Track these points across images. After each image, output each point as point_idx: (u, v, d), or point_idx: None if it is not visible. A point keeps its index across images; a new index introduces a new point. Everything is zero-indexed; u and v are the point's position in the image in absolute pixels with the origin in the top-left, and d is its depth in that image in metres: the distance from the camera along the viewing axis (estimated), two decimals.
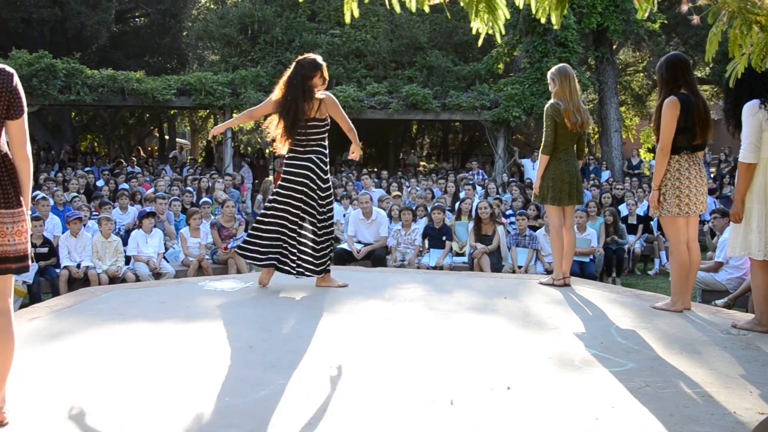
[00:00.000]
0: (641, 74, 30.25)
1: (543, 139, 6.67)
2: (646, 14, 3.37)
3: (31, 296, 8.89)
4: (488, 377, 4.08)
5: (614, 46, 22.94)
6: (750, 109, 5.04)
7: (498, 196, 14.35)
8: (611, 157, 21.33)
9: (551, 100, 6.65)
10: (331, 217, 6.48)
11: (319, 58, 6.25)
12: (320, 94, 6.21)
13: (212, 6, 30.71)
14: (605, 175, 20.00)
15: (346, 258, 10.79)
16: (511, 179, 18.43)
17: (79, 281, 9.25)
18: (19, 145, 3.39)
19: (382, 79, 21.53)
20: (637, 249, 12.17)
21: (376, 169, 23.19)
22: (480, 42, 3.70)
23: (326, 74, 6.25)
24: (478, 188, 15.26)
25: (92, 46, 24.32)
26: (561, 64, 6.90)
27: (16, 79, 3.36)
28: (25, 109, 3.40)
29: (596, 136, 25.17)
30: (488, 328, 5.26)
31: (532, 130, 25.45)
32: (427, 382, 4.01)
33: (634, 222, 12.62)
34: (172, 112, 28.99)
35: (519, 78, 20.22)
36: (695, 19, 3.42)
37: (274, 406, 3.61)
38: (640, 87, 30.37)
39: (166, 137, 33.05)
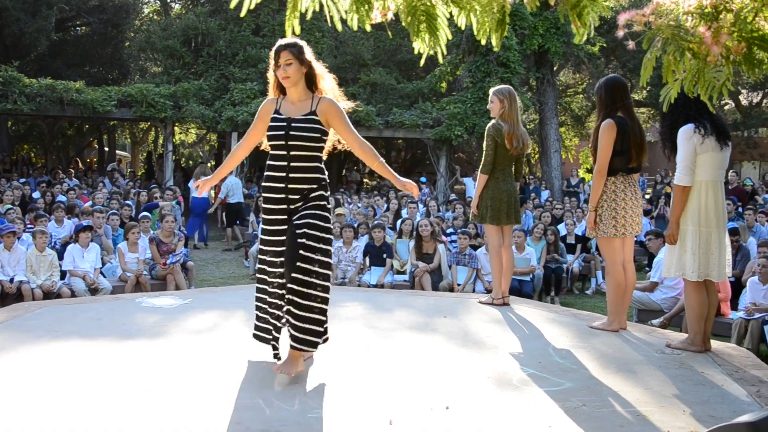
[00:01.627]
0: (581, 96, 30.81)
1: (483, 159, 6.72)
2: (584, 39, 3.42)
3: None
4: (427, 397, 4.07)
5: (555, 68, 23.34)
6: (685, 134, 5.15)
7: (439, 214, 14.44)
8: (551, 177, 21.65)
9: (493, 121, 6.70)
10: None
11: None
12: None
13: (155, 17, 30.40)
14: (545, 194, 20.28)
15: None
16: (452, 198, 18.55)
17: (12, 296, 8.99)
18: None
19: None
20: (575, 268, 12.32)
21: None
22: (423, 61, 3.72)
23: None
24: (420, 206, 15.34)
25: (31, 54, 23.87)
26: (506, 85, 6.97)
27: None
28: None
29: (536, 156, 25.55)
30: (428, 347, 5.27)
31: (474, 149, 25.68)
32: (367, 401, 3.99)
33: (573, 242, 12.78)
34: (112, 123, 28.53)
35: (461, 97, 20.42)
36: (631, 44, 3.48)
37: (206, 425, 3.55)
38: (579, 108, 30.92)
39: (106, 149, 32.49)
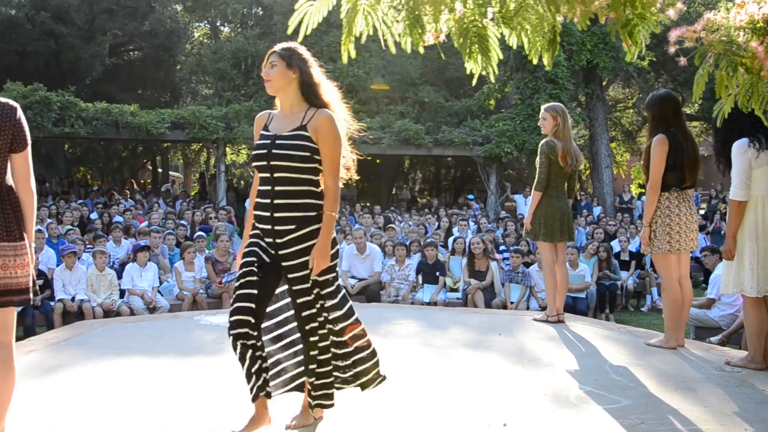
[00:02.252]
0: (631, 110, 30.49)
1: (537, 176, 6.73)
2: (635, 57, 3.44)
3: (26, 329, 8.86)
4: (484, 414, 4.09)
5: (604, 83, 23.17)
6: (739, 148, 5.11)
7: (489, 226, 14.42)
8: (602, 193, 21.45)
9: (547, 138, 6.71)
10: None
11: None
12: None
13: (206, 41, 30.93)
14: (597, 210, 20.09)
15: None
16: (503, 215, 18.51)
17: (74, 314, 9.22)
18: (23, 178, 3.42)
19: (374, 114, 21.67)
20: (629, 285, 12.19)
21: (368, 204, 23.24)
22: (474, 81, 3.76)
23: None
24: (471, 223, 15.33)
25: (86, 79, 24.45)
26: (558, 103, 6.98)
27: (20, 113, 3.41)
28: (29, 142, 3.44)
29: (587, 172, 25.33)
30: (483, 364, 5.28)
31: (524, 166, 25.61)
32: (424, 418, 4.02)
33: (627, 258, 12.65)
34: (165, 145, 29.05)
35: (510, 114, 20.39)
36: (682, 60, 3.49)
37: None
38: (630, 123, 30.61)
39: (159, 170, 33.10)
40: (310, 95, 3.82)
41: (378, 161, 25.29)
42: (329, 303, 3.76)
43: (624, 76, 24.36)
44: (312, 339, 3.72)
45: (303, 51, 3.83)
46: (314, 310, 3.73)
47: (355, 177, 3.97)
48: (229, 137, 19.94)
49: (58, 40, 23.61)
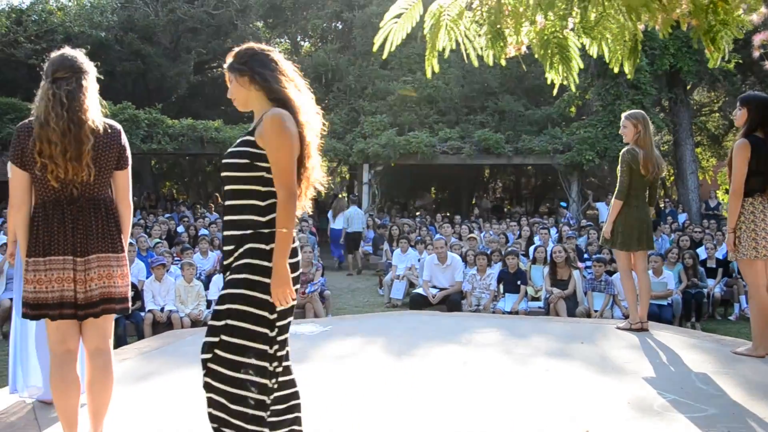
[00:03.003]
0: (717, 114, 29.76)
1: (618, 185, 6.68)
2: (718, 62, 3.43)
3: (118, 339, 9.18)
4: (567, 421, 4.11)
5: (688, 87, 22.69)
6: None
7: (571, 233, 14.29)
8: (688, 200, 20.98)
9: (628, 146, 6.67)
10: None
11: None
12: None
13: (286, 56, 31.45)
14: (682, 217, 19.68)
15: (421, 303, 10.87)
16: (585, 223, 18.31)
17: (163, 325, 9.51)
18: (124, 194, 3.66)
19: (454, 124, 21.70)
20: (716, 293, 11.91)
21: (448, 214, 23.26)
22: (555, 90, 3.80)
23: None
24: (553, 232, 15.23)
25: (172, 97, 25.17)
26: (638, 110, 6.92)
27: (124, 134, 3.66)
28: (130, 160, 3.65)
29: (672, 179, 24.84)
30: (566, 372, 5.28)
31: (606, 173, 25.24)
32: (507, 425, 4.06)
33: (714, 266, 12.38)
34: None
35: (591, 121, 20.16)
36: (767, 64, 3.46)
37: None
38: (716, 127, 29.85)
39: None
40: (270, 94, 3.31)
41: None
42: (227, 339, 3.15)
43: (709, 80, 23.80)
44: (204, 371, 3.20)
45: (247, 51, 3.38)
46: (216, 339, 3.18)
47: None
48: None
49: (145, 59, 24.41)
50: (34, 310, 3.49)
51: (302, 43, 30.93)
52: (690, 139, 21.71)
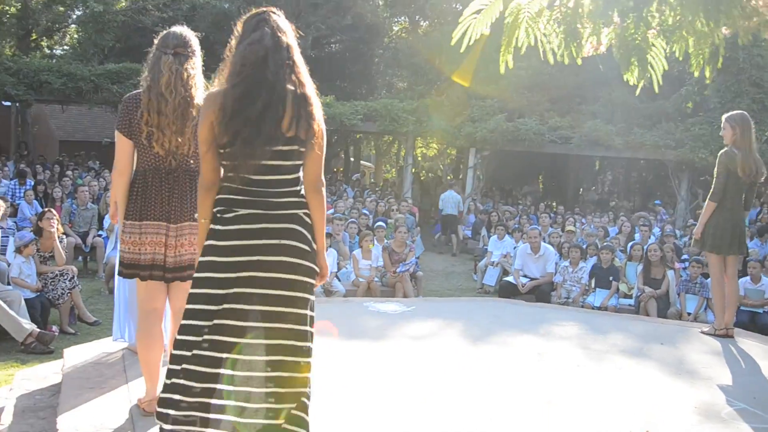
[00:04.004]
0: None
1: (713, 186, 6.57)
2: None
3: None
4: (629, 419, 4.14)
5: None
6: None
7: (669, 230, 13.99)
8: None
9: (726, 148, 6.55)
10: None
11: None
12: None
13: (404, 35, 31.64)
14: None
15: (511, 291, 10.90)
16: (691, 222, 17.83)
17: None
18: None
19: (565, 113, 21.42)
20: None
21: (553, 204, 23.04)
22: (637, 92, 3.80)
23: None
24: (656, 229, 14.92)
25: None
26: (740, 111, 6.78)
27: None
28: None
29: None
30: (638, 372, 5.27)
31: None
32: (567, 418, 4.13)
33: None
34: (358, 135, 30.03)
35: (708, 118, 19.54)
36: None
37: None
38: None
39: (352, 159, 34.25)
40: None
41: None
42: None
43: None
44: None
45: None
46: None
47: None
48: (419, 130, 20.38)
49: None
50: (128, 269, 3.78)
51: (421, 23, 31.03)
52: None
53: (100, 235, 12.04)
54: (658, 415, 4.29)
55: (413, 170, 23.52)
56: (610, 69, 22.13)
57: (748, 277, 9.86)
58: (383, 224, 12.76)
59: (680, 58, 3.64)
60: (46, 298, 8.13)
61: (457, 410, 4.17)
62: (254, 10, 3.12)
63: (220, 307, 2.97)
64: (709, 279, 10.12)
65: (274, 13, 3.13)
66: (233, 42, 3.10)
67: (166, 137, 3.69)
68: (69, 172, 17.73)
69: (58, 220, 8.95)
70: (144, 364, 3.91)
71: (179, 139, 3.70)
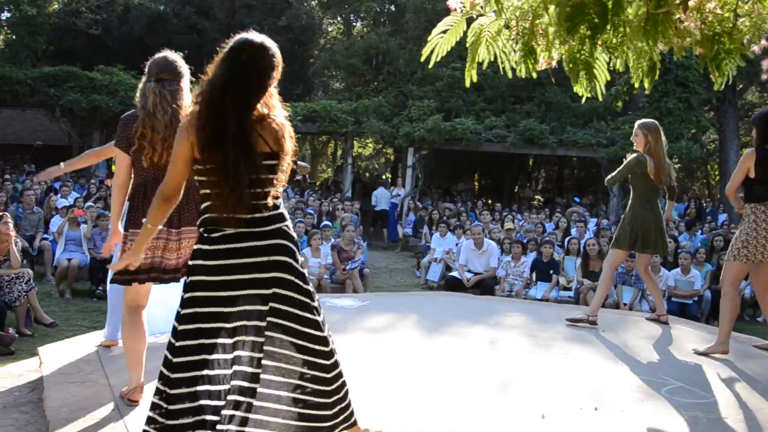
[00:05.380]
0: None
1: (613, 174, 7.00)
2: (722, 86, 3.81)
3: None
4: (578, 399, 4.54)
5: (739, 88, 22.69)
6: None
7: (605, 224, 14.60)
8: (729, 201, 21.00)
9: (637, 153, 6.76)
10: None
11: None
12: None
13: (339, 36, 31.96)
14: (722, 218, 19.78)
15: (456, 286, 11.31)
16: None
17: None
18: None
19: (500, 113, 22.01)
20: (746, 295, 12.12)
21: (490, 201, 23.62)
22: (583, 100, 4.20)
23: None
24: (592, 224, 15.54)
25: None
26: (651, 120, 6.99)
27: None
28: None
29: (717, 178, 24.86)
30: (583, 357, 5.68)
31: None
32: (523, 398, 4.51)
33: None
34: (297, 136, 30.14)
35: (637, 116, 20.28)
36: None
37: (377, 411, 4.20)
38: None
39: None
40: None
41: None
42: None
43: (760, 82, 23.79)
44: None
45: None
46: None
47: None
48: (357, 131, 20.72)
49: (200, 33, 25.09)
50: (124, 275, 4.00)
51: (355, 24, 31.38)
52: (736, 140, 21.79)
53: (46, 239, 12.05)
54: (605, 394, 4.69)
55: (353, 170, 23.84)
56: (543, 71, 22.90)
57: (678, 269, 10.43)
58: (329, 223, 13.06)
59: (621, 70, 4.02)
60: (2, 301, 8.20)
61: (419, 396, 4.49)
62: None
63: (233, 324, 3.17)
64: None
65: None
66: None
67: (157, 152, 4.00)
68: (8, 176, 17.56)
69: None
70: (130, 355, 4.17)
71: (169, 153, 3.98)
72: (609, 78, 4.07)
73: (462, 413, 4.18)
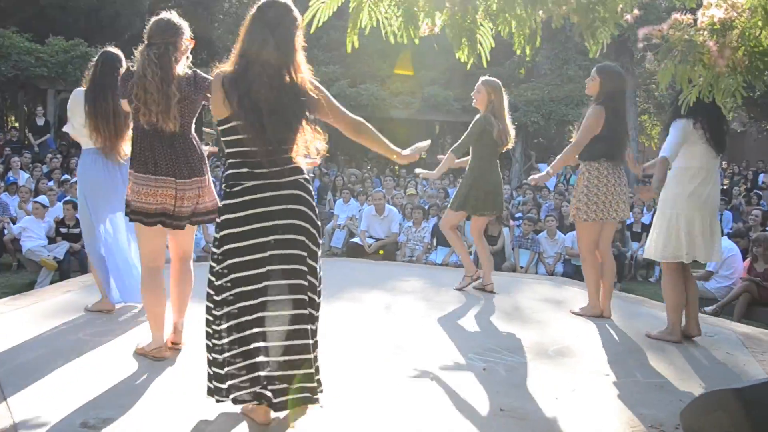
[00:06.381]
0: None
1: (461, 141, 6.82)
2: (597, 54, 3.91)
3: (61, 273, 9.56)
4: (466, 359, 4.64)
5: (636, 57, 23.25)
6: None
7: (509, 197, 14.86)
8: (627, 166, 21.62)
9: (484, 113, 6.70)
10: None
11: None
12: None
13: (244, 0, 31.36)
14: None
15: (358, 252, 11.36)
16: (524, 183, 18.94)
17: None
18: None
19: (405, 79, 22.04)
20: (639, 255, 12.55)
21: (396, 167, 23.71)
22: (468, 67, 4.24)
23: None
24: None
25: (125, 35, 25.02)
26: (494, 78, 6.82)
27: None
28: None
29: None
30: (476, 318, 5.81)
31: (553, 135, 25.88)
32: (417, 360, 4.57)
33: (639, 230, 12.98)
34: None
35: (539, 83, 20.67)
36: (650, 55, 3.93)
37: None
38: (663, 96, 30.57)
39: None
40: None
41: None
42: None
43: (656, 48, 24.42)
44: None
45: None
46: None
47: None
48: None
49: None
50: (136, 215, 4.22)
51: None
52: (633, 107, 22.35)
53: None
54: (493, 353, 4.81)
55: None
56: (445, 38, 23.01)
57: (574, 232, 10.70)
58: None
59: (506, 37, 4.07)
60: None
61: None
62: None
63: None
64: (540, 235, 10.99)
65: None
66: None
67: (152, 113, 4.10)
68: None
69: None
70: (152, 315, 4.39)
71: (165, 117, 4.12)
72: (493, 44, 4.11)
73: (355, 377, 4.22)
